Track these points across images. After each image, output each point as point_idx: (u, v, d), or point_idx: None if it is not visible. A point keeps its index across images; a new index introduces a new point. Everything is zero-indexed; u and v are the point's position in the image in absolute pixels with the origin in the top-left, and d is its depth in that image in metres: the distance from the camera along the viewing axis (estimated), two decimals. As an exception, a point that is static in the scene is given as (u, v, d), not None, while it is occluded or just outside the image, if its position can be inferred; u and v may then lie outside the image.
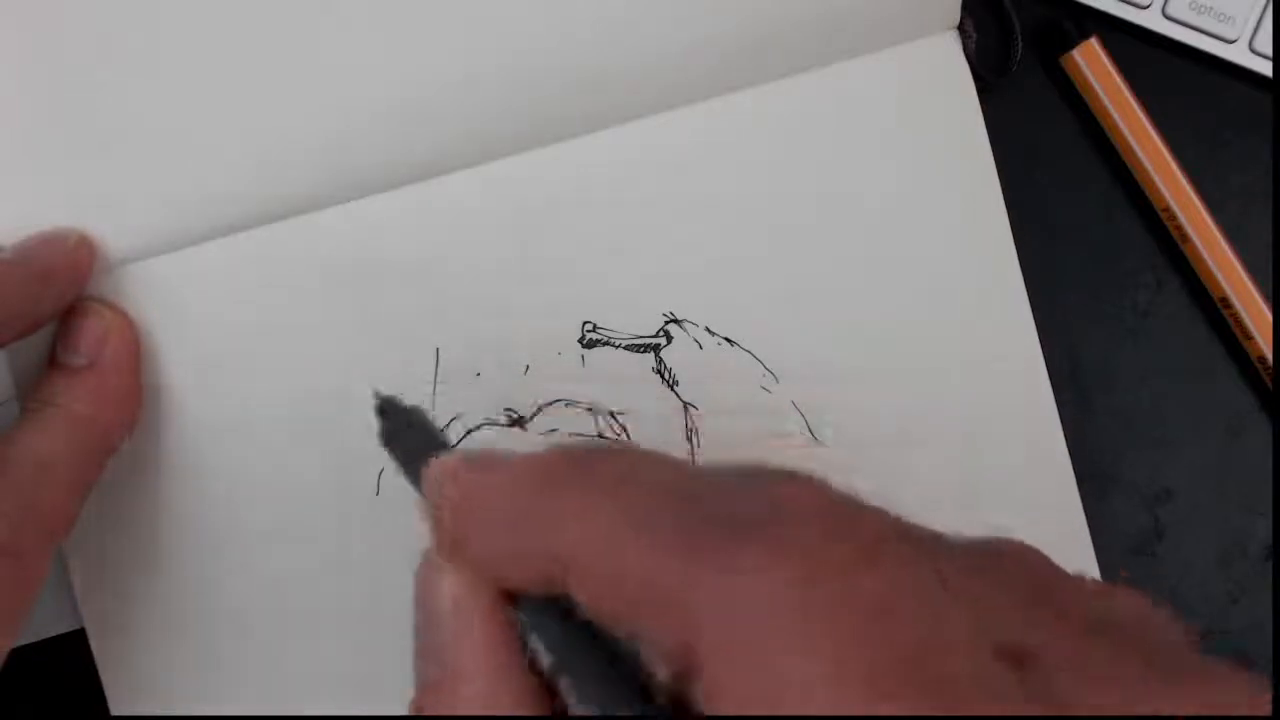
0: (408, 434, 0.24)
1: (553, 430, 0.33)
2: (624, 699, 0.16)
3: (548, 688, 0.18)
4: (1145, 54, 0.36)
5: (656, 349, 0.33)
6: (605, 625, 0.16)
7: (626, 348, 0.33)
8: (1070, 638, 0.16)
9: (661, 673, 0.15)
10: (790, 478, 0.16)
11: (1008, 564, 0.18)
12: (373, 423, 0.24)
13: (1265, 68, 0.35)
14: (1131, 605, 0.18)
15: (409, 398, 0.32)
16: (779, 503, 0.16)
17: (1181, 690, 0.16)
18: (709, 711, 0.14)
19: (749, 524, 0.15)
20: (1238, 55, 0.35)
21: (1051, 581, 0.18)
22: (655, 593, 0.15)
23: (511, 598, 0.18)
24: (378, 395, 0.25)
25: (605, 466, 0.18)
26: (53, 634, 0.34)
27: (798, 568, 0.14)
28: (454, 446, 0.23)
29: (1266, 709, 0.15)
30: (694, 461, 0.33)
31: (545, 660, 0.18)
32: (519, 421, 0.33)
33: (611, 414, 0.33)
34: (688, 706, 0.15)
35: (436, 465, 0.20)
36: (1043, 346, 0.33)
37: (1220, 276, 0.35)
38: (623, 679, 0.16)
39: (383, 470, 0.33)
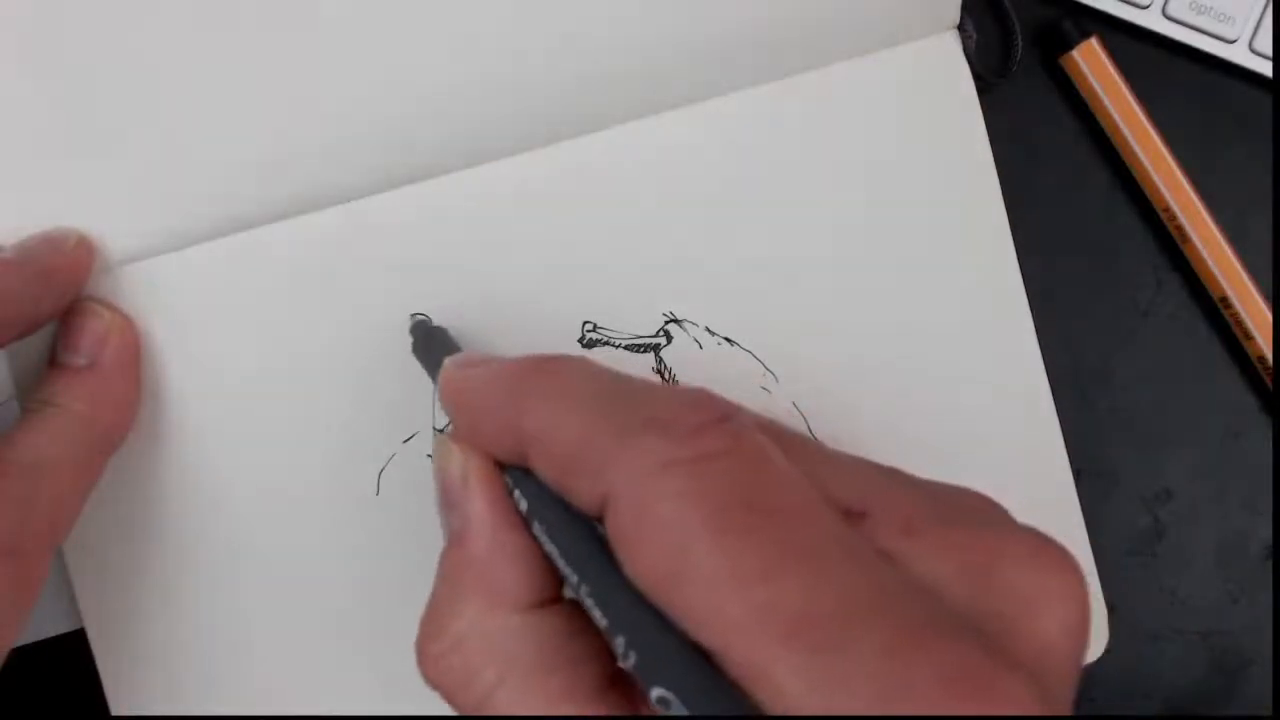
0: (431, 346, 0.31)
1: (553, 430, 0.33)
2: (579, 536, 0.22)
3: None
4: (1145, 54, 0.36)
5: (656, 349, 0.33)
6: (550, 484, 0.22)
7: (626, 348, 0.33)
8: (907, 507, 0.21)
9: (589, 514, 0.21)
10: (686, 391, 0.22)
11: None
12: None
13: (1265, 68, 0.35)
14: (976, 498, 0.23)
15: (410, 396, 0.33)
16: (676, 407, 0.21)
17: (989, 540, 0.20)
18: (611, 531, 0.20)
19: (655, 420, 0.20)
20: (1238, 55, 0.35)
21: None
22: (583, 460, 0.21)
23: (502, 466, 0.24)
24: (413, 316, 0.32)
25: (561, 369, 0.23)
26: (53, 634, 0.34)
27: (678, 450, 0.20)
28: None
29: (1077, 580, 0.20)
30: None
31: (523, 510, 0.23)
32: (519, 421, 0.33)
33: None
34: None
35: (444, 366, 0.26)
36: (1043, 346, 0.33)
37: (1220, 276, 0.35)
38: (576, 521, 0.22)
39: (383, 470, 0.33)
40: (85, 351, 0.31)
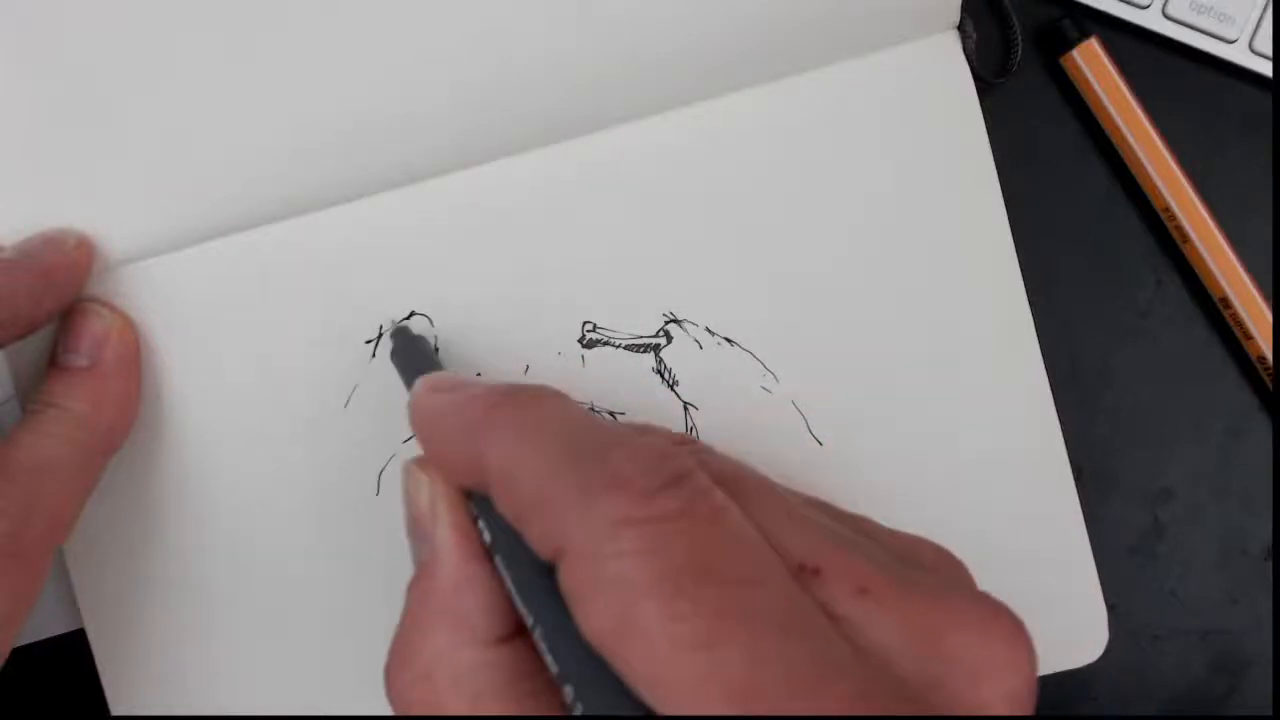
0: (409, 355, 0.30)
1: (553, 430, 0.33)
2: (535, 577, 0.21)
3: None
4: (1145, 54, 0.36)
5: (656, 349, 0.33)
6: (509, 521, 0.22)
7: (626, 348, 0.33)
8: (862, 566, 0.21)
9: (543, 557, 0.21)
10: (648, 446, 0.21)
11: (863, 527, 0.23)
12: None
13: (1265, 68, 0.35)
14: (932, 552, 0.23)
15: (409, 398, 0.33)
16: (636, 464, 0.21)
17: (943, 611, 0.20)
18: (563, 583, 0.20)
19: (614, 478, 0.20)
20: (1238, 55, 0.35)
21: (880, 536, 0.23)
22: (541, 509, 0.21)
23: (469, 493, 0.24)
24: (394, 322, 0.32)
25: (529, 404, 0.23)
26: (53, 634, 0.34)
27: (633, 510, 0.20)
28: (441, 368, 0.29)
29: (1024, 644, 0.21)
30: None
31: (486, 541, 0.23)
32: (519, 421, 0.33)
33: (611, 414, 0.33)
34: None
35: (415, 388, 0.26)
36: (1043, 346, 0.33)
37: (1220, 276, 0.35)
38: (534, 562, 0.21)
39: (383, 470, 0.33)
40: (85, 352, 0.31)
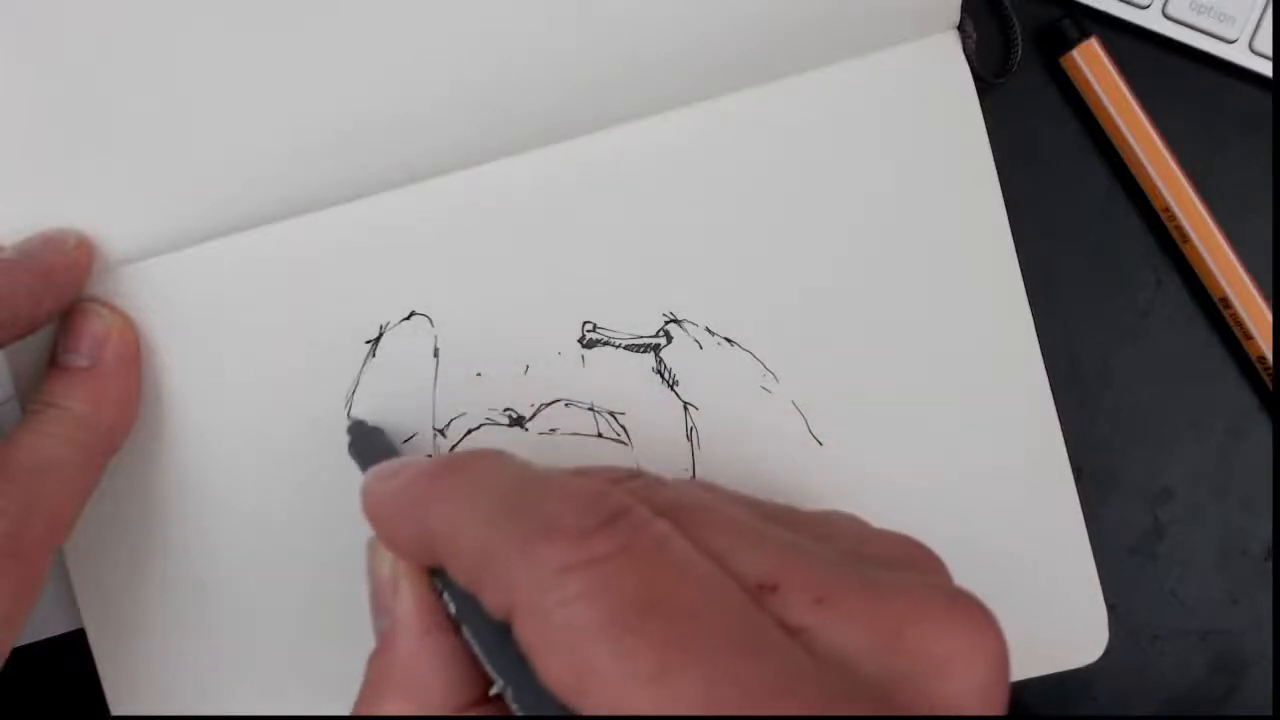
0: (365, 446, 0.31)
1: (553, 430, 0.33)
2: (501, 639, 0.21)
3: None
4: (1145, 54, 0.36)
5: (656, 349, 0.33)
6: (465, 588, 0.22)
7: (626, 348, 0.33)
8: (819, 574, 0.21)
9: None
10: (583, 489, 0.22)
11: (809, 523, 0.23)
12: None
13: (1265, 68, 0.35)
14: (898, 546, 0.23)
15: (409, 397, 0.33)
16: (571, 509, 0.21)
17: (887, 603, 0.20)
18: (519, 640, 0.20)
19: (551, 528, 0.20)
20: (1238, 55, 0.35)
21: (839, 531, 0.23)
22: (488, 568, 0.21)
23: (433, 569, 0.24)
24: (350, 416, 0.33)
25: (465, 469, 0.23)
26: (53, 634, 0.34)
27: (572, 555, 0.20)
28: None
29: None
30: (694, 462, 0.33)
31: (452, 612, 0.24)
32: (519, 421, 0.33)
33: (611, 414, 0.33)
34: None
35: (364, 480, 0.26)
36: (1043, 346, 0.33)
37: (1220, 276, 0.35)
38: (498, 624, 0.21)
39: (383, 470, 0.33)
40: (85, 352, 0.31)
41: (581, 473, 0.24)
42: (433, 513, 0.23)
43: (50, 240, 0.31)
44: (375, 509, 0.26)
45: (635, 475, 0.24)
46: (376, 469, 0.26)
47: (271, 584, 0.33)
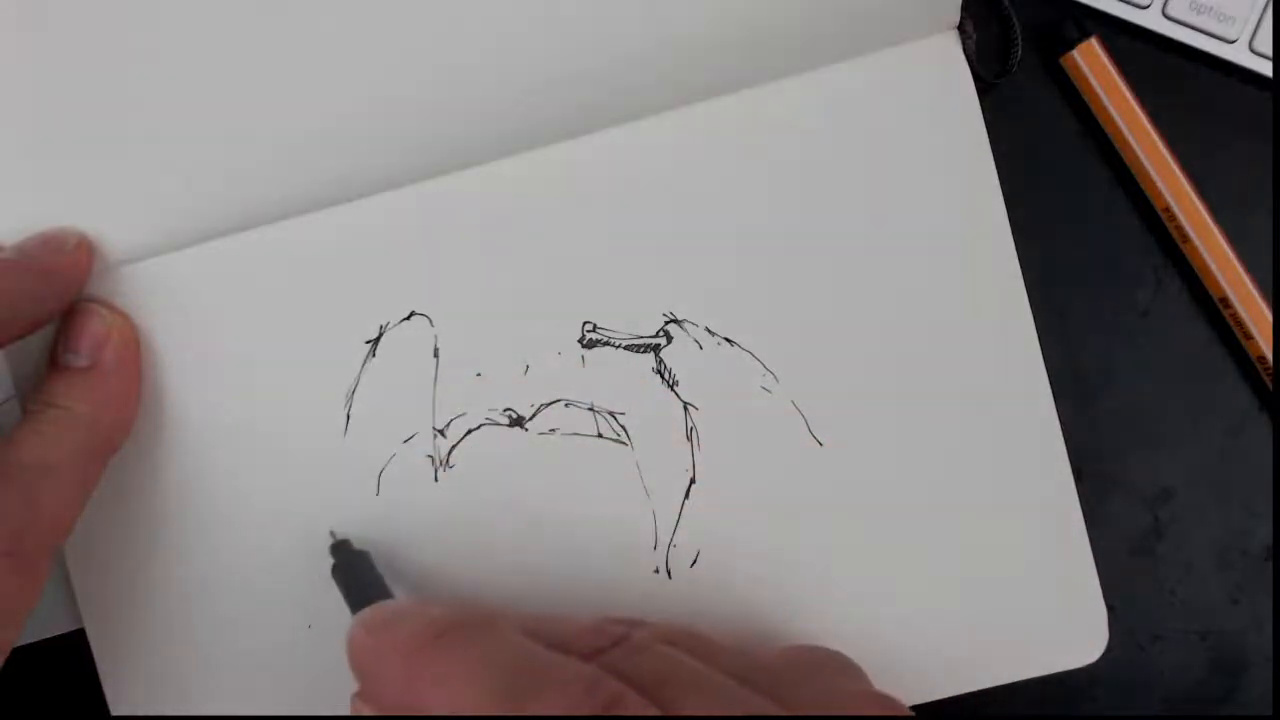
0: (349, 573, 0.31)
1: (553, 430, 0.33)
2: None
3: None
4: (1145, 54, 0.36)
5: (656, 349, 0.33)
6: None
7: (626, 348, 0.33)
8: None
9: None
10: (578, 675, 0.24)
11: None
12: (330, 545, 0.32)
13: (1265, 68, 0.35)
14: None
15: (409, 397, 0.33)
16: (565, 698, 0.23)
17: None
18: None
19: (527, 694, 0.23)
20: (1238, 55, 0.35)
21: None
22: None
23: None
24: (333, 536, 0.32)
25: (457, 645, 0.25)
26: (53, 634, 0.34)
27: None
28: (384, 590, 0.30)
29: None
30: (694, 462, 0.33)
31: None
32: (519, 421, 0.33)
33: (611, 414, 0.33)
34: None
35: (352, 626, 0.27)
36: (1043, 346, 0.33)
37: (1220, 276, 0.35)
38: None
39: (383, 470, 0.33)
40: (86, 352, 0.31)
41: (574, 625, 0.26)
42: (428, 693, 0.24)
43: (50, 240, 0.31)
44: (363, 664, 0.26)
45: (625, 636, 0.26)
46: (365, 618, 0.27)
47: (272, 584, 0.33)
